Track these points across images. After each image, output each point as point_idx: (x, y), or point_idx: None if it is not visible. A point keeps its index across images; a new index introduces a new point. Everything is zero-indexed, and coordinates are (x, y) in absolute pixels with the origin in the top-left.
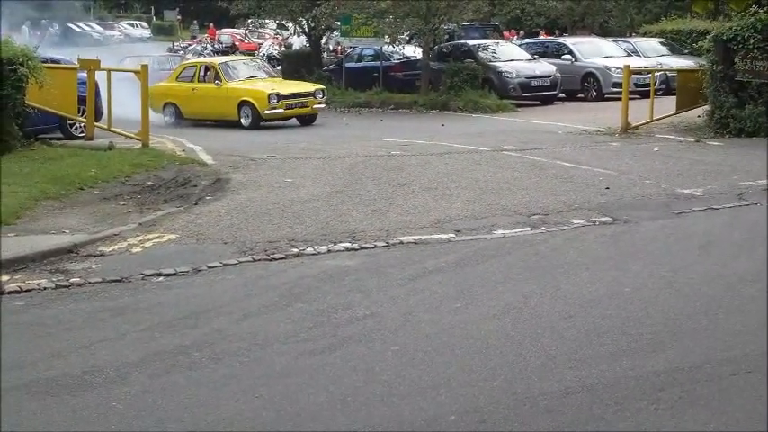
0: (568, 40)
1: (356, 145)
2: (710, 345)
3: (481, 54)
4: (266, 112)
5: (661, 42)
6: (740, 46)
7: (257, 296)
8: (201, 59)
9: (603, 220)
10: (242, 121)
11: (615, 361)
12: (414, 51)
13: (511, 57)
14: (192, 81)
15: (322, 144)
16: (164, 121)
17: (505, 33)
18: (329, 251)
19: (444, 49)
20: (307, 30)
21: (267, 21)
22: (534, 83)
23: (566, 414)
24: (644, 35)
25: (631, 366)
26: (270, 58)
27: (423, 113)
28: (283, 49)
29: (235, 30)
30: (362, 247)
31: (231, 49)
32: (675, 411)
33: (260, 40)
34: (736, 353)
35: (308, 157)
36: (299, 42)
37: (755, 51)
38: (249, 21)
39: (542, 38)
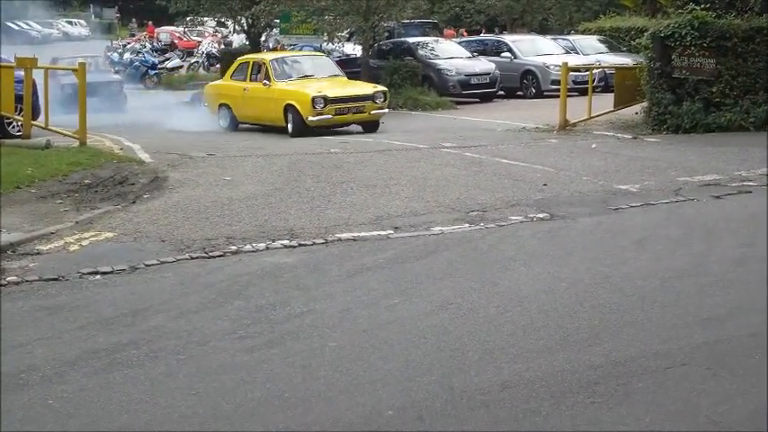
0: (508, 38)
1: (295, 143)
2: (646, 338)
3: (421, 52)
4: (311, 118)
5: (600, 40)
6: (677, 43)
7: (195, 294)
8: (255, 55)
9: (541, 216)
10: (288, 126)
11: (551, 355)
12: (353, 49)
13: (450, 54)
14: (244, 80)
15: (262, 141)
16: (219, 125)
17: (448, 31)
18: (267, 248)
19: (384, 47)
20: (246, 27)
21: (206, 19)
22: (473, 80)
23: (502, 408)
24: (583, 33)
25: (567, 360)
26: (209, 57)
27: None
28: (223, 47)
29: (174, 28)
30: (301, 245)
31: (170, 48)
32: (611, 404)
33: (199, 39)
34: (671, 346)
35: (248, 155)
36: (238, 40)
37: (692, 48)
38: (188, 19)
39: (482, 35)
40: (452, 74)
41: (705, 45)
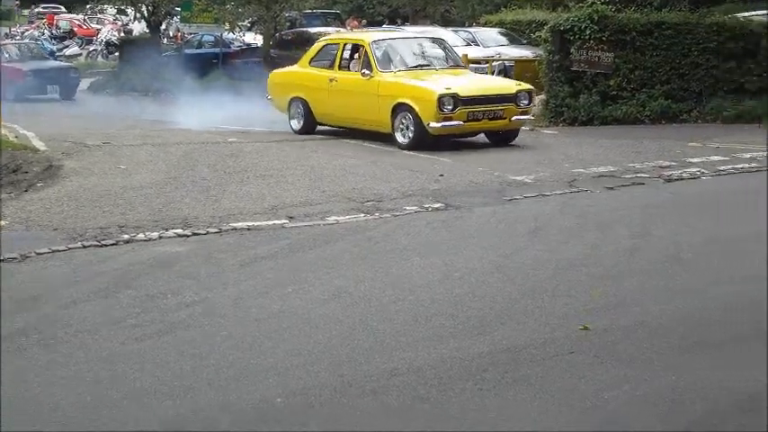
0: (409, 30)
1: (193, 131)
2: (535, 327)
3: None
4: (434, 124)
5: (501, 32)
6: (577, 36)
7: (86, 282)
8: (349, 35)
9: (436, 206)
10: (397, 135)
11: (442, 343)
12: (254, 38)
13: None
14: (331, 67)
15: (159, 130)
16: (290, 126)
17: (353, 22)
18: (161, 237)
19: (286, 37)
20: (147, 15)
21: (107, 6)
22: None
23: (391, 395)
24: (484, 25)
25: (457, 348)
26: (108, 45)
27: (262, 101)
28: (123, 35)
29: (74, 15)
30: (195, 234)
31: (69, 35)
32: (499, 391)
33: (99, 26)
34: (559, 334)
35: (143, 144)
36: (139, 28)
37: (591, 42)
38: (88, 6)
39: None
40: None
41: (604, 39)
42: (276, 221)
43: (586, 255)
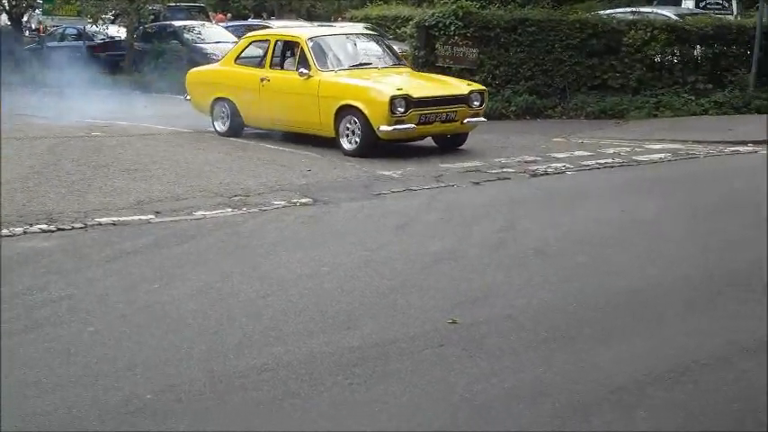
0: (274, 24)
1: (56, 126)
2: (404, 321)
3: (186, 35)
4: (384, 128)
5: (366, 27)
6: (441, 33)
7: None
8: (280, 31)
9: (304, 201)
10: (342, 141)
11: (311, 338)
12: (118, 32)
13: (217, 39)
14: (260, 66)
15: (20, 125)
16: (214, 127)
17: (220, 15)
18: (25, 233)
19: (149, 30)
20: (8, 7)
21: None
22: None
23: (261, 390)
24: (350, 20)
25: (327, 343)
26: None
27: (125, 94)
28: None
29: None
30: (59, 229)
31: None
32: (369, 385)
33: None
34: (428, 328)
35: (7, 138)
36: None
37: (456, 38)
38: None
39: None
40: (218, 58)
41: (468, 35)
42: (142, 217)
43: (453, 249)
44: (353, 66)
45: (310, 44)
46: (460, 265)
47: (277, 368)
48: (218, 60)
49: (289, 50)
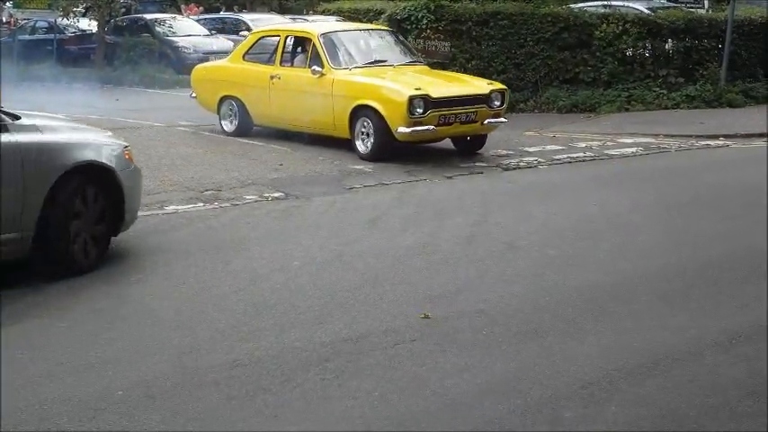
0: (246, 17)
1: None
2: (376, 316)
3: (158, 29)
4: (402, 129)
5: (338, 20)
6: (413, 26)
7: None
8: (291, 26)
9: (276, 195)
10: (357, 143)
11: (283, 333)
12: (89, 25)
13: (189, 32)
14: (269, 62)
15: None
16: (221, 126)
17: (191, 8)
18: None
19: (120, 23)
20: None
21: None
22: (212, 58)
23: (233, 386)
24: (322, 13)
25: (299, 338)
26: None
27: (97, 88)
28: None
29: None
30: None
31: None
32: (341, 380)
33: None
34: (401, 323)
35: None
36: None
37: (428, 32)
38: None
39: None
40: (190, 52)
41: (440, 28)
42: None
43: (425, 243)
44: (368, 63)
45: (322, 40)
46: (433, 259)
47: (249, 363)
48: (189, 54)
49: (299, 46)
